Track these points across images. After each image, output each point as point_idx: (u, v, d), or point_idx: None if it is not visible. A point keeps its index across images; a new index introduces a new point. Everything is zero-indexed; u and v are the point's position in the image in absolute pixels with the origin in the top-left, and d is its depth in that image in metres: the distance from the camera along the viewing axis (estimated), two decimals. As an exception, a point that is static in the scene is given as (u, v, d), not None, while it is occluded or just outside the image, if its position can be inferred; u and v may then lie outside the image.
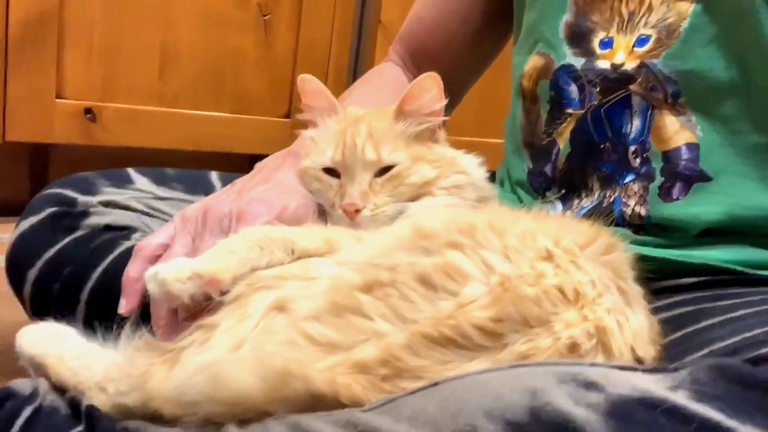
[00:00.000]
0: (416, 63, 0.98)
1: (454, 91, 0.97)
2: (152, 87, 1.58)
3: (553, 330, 0.47)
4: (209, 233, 0.61)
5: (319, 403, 0.44)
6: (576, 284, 0.50)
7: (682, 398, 0.40)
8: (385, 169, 0.67)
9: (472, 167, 0.73)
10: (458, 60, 0.96)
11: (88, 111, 1.50)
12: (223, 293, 0.55)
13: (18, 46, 1.40)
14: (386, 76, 0.97)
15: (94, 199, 0.77)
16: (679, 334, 0.57)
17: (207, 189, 0.82)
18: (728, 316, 0.56)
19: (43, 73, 1.44)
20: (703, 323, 0.57)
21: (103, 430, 0.48)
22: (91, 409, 0.51)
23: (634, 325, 0.52)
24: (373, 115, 0.71)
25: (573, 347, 0.46)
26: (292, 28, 1.71)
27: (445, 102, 0.71)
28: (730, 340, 0.52)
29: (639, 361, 0.51)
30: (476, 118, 1.71)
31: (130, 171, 0.83)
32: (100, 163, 1.64)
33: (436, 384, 0.42)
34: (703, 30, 0.66)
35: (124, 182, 0.81)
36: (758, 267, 0.64)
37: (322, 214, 0.69)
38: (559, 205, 0.76)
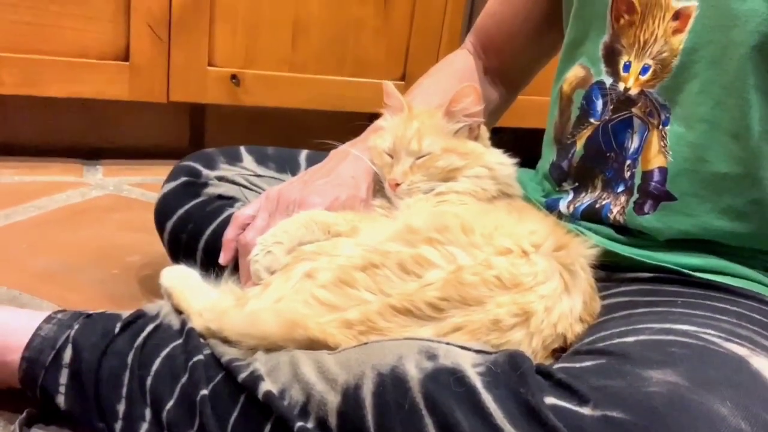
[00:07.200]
0: (485, 51, 1.11)
1: (514, 79, 1.11)
2: (285, 55, 1.77)
3: (486, 308, 0.64)
4: (279, 214, 0.82)
5: (314, 344, 0.64)
6: (519, 275, 0.67)
7: (473, 372, 0.54)
8: (425, 156, 0.84)
9: (499, 165, 0.87)
10: (519, 52, 1.08)
11: (233, 76, 1.73)
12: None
13: (178, 24, 1.64)
14: (455, 66, 1.11)
15: (212, 173, 1.00)
16: (609, 316, 0.69)
17: (294, 168, 1.03)
18: (638, 310, 0.66)
19: (197, 45, 1.68)
20: (621, 313, 0.68)
21: (191, 346, 0.70)
22: (190, 330, 0.73)
23: (565, 308, 0.68)
24: (425, 113, 0.88)
25: (496, 322, 0.64)
26: (409, -1, 1.82)
27: (482, 107, 0.87)
28: (606, 331, 0.63)
29: (561, 336, 0.67)
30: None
31: (241, 149, 1.06)
32: (243, 120, 1.93)
33: (366, 344, 0.61)
34: (690, 68, 0.73)
35: (235, 160, 1.03)
36: (705, 271, 0.73)
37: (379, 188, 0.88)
38: (571, 195, 0.88)
